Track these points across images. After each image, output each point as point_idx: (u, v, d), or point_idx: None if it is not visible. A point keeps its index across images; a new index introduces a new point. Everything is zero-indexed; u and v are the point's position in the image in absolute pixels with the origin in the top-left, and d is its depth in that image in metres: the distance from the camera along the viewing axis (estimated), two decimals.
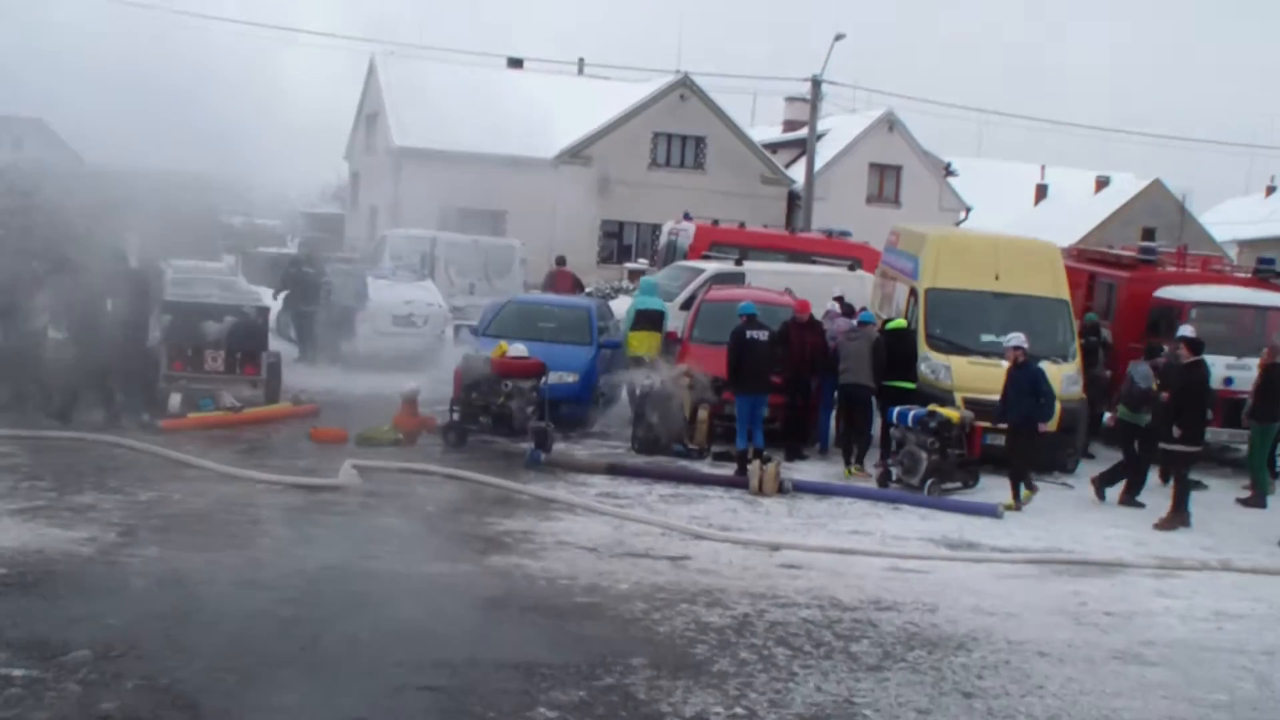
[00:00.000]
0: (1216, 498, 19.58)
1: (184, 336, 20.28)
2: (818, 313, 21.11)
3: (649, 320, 22.25)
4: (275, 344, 22.90)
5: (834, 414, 20.67)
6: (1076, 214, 68.65)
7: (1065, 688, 10.54)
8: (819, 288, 24.02)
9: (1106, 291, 25.30)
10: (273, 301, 25.93)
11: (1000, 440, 19.56)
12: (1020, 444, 18.03)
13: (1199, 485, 18.94)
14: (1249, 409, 20.11)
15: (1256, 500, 19.33)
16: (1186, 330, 21.46)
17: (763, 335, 19.09)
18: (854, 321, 20.43)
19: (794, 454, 19.74)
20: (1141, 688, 10.74)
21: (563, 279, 29.85)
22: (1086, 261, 27.10)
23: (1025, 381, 17.97)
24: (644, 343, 21.94)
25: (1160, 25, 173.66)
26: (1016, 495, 17.69)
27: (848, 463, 19.36)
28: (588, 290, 32.77)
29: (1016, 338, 18.37)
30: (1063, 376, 20.42)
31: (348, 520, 14.45)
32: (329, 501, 15.23)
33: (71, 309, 19.59)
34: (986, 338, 21.01)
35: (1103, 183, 74.18)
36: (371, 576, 12.24)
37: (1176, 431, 17.53)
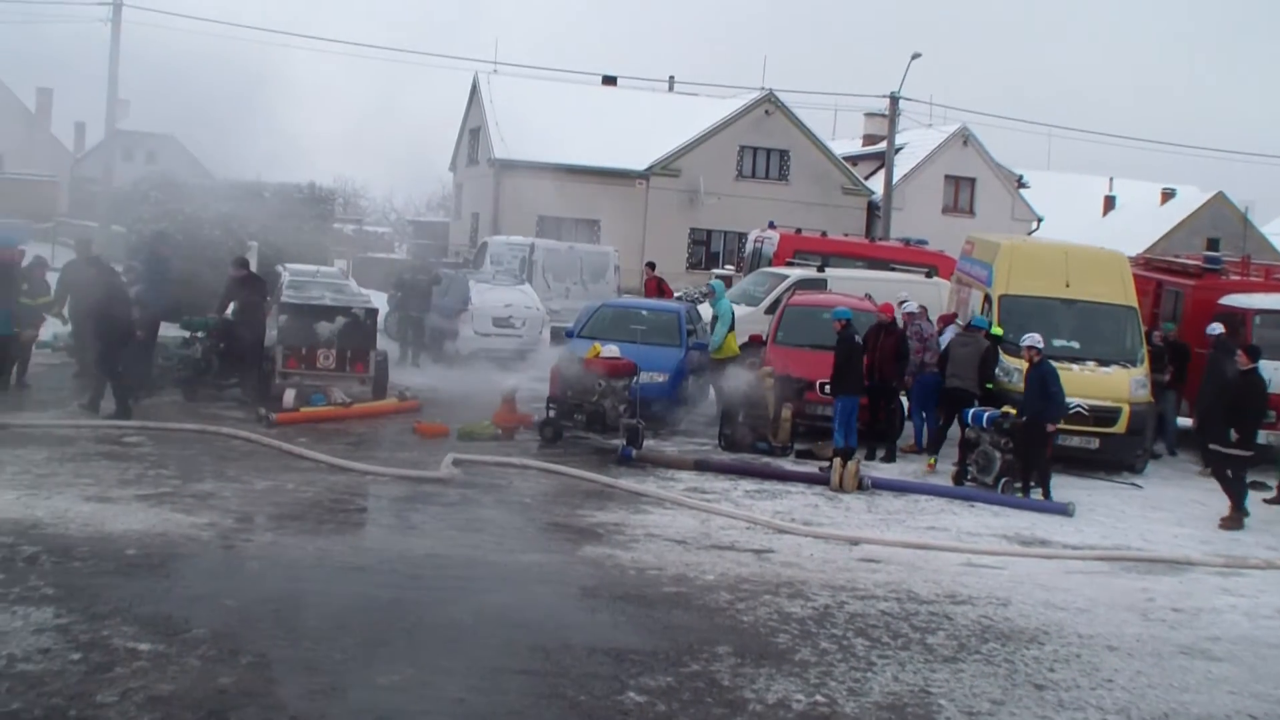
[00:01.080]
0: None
1: (299, 336, 20.43)
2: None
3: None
4: (383, 344, 23.02)
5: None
6: (1143, 224, 67.86)
7: (1134, 681, 10.34)
8: (897, 294, 23.84)
9: (1173, 299, 24.87)
10: (383, 304, 26.06)
11: (1072, 441, 19.37)
12: (1031, 442, 17.71)
13: (1261, 486, 18.58)
14: None
15: None
16: (1215, 328, 21.14)
17: (859, 339, 18.98)
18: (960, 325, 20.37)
19: (874, 452, 19.52)
20: (1208, 682, 10.52)
21: (656, 284, 30.08)
22: (1153, 270, 26.67)
23: (1035, 381, 17.71)
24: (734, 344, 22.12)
25: (1220, 44, 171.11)
26: (1046, 493, 17.47)
27: (934, 453, 19.21)
28: (677, 295, 32.72)
29: (1031, 337, 18.13)
30: (1131, 381, 20.09)
31: (449, 511, 14.46)
32: (431, 493, 15.25)
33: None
34: (1058, 342, 20.67)
35: (1168, 195, 73.24)
36: (471, 564, 12.25)
37: (1234, 435, 17.06)
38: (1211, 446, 17.75)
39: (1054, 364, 19.57)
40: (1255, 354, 17.61)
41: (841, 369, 18.73)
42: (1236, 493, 17.16)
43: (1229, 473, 17.18)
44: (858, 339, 18.96)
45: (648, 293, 29.66)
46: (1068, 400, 19.17)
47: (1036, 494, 17.50)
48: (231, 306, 20.79)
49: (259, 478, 15.12)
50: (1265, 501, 18.66)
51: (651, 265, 31.17)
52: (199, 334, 20.68)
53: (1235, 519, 16.94)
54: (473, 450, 17.61)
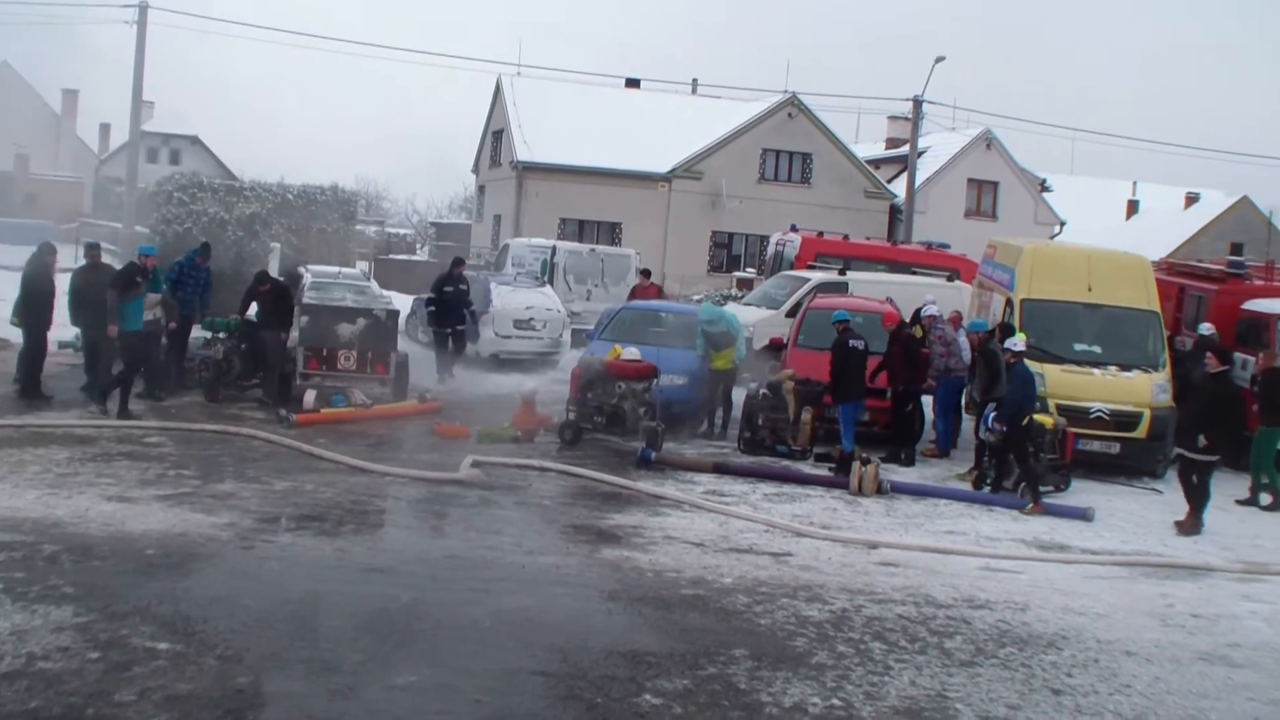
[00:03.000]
0: None
1: (320, 337, 20.50)
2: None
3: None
4: (404, 345, 23.09)
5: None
6: (1166, 229, 67.62)
7: (1152, 687, 10.30)
8: (919, 298, 23.83)
9: (1196, 303, 24.77)
10: (405, 306, 26.01)
11: (1093, 445, 19.33)
12: (1008, 442, 17.63)
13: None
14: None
15: (1260, 499, 18.66)
16: (1204, 328, 21.08)
17: (860, 344, 18.93)
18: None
19: (894, 457, 19.48)
20: (1227, 689, 10.47)
21: (647, 295, 28.62)
22: (1176, 274, 26.56)
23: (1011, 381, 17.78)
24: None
25: (1246, 47, 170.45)
26: (1035, 496, 17.21)
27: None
28: (697, 299, 32.63)
29: (1011, 341, 18.19)
30: (1152, 385, 20.02)
31: (468, 512, 14.50)
32: (450, 495, 15.30)
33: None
34: (1079, 347, 20.70)
35: (1192, 199, 73.06)
36: (489, 566, 12.27)
37: (1202, 441, 16.59)
38: (1177, 451, 17.34)
39: (1076, 368, 19.72)
40: (1226, 356, 17.37)
41: (838, 377, 18.73)
42: (1199, 499, 16.74)
43: (1194, 478, 16.77)
44: (854, 344, 18.93)
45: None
46: (1089, 405, 19.26)
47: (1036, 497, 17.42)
48: (253, 308, 20.91)
49: (279, 478, 15.18)
50: (1237, 502, 18.65)
51: (646, 273, 30.29)
52: (221, 335, 20.79)
53: (1193, 524, 16.62)
54: (492, 452, 17.64)
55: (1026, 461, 17.48)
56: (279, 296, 20.90)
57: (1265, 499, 18.72)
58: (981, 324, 20.17)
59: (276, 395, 20.04)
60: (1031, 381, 17.72)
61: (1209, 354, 17.50)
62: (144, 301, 19.69)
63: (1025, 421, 17.53)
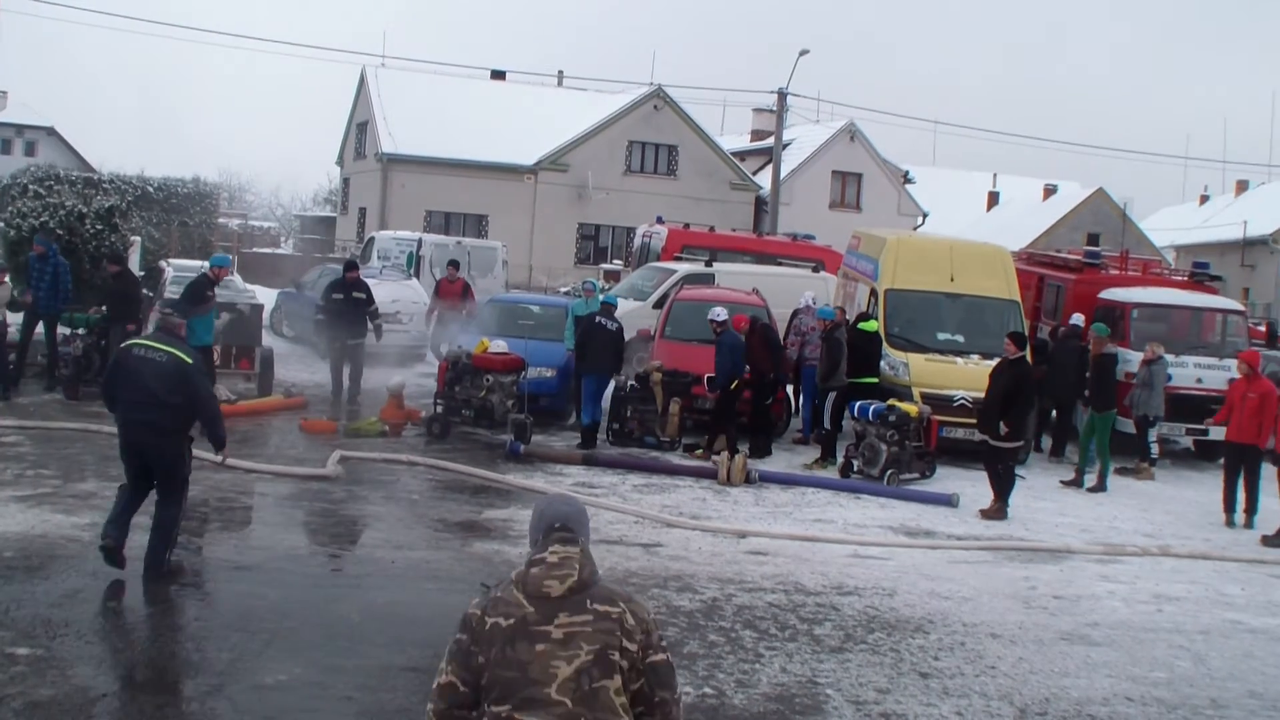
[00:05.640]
0: (1157, 488, 19.72)
1: None
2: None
3: None
4: (268, 340, 22.75)
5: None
6: (1026, 220, 68.92)
7: (1016, 667, 10.54)
8: (784, 288, 24.05)
9: (1054, 293, 25.33)
10: (270, 300, 25.56)
11: (957, 433, 19.64)
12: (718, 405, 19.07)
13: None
14: (1086, 398, 20.12)
15: (1085, 483, 19.22)
16: (1076, 319, 21.61)
17: (612, 325, 19.25)
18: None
19: (762, 449, 19.56)
20: (1087, 667, 10.76)
21: (452, 290, 26.37)
22: (1036, 264, 27.17)
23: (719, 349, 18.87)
24: None
25: (1099, 42, 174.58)
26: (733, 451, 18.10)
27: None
28: (564, 290, 32.54)
29: (714, 311, 19.23)
30: None
31: (336, 508, 14.37)
32: (318, 490, 15.12)
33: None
34: (942, 336, 21.07)
35: (1050, 191, 74.50)
36: (359, 562, 12.20)
37: (1004, 428, 16.88)
38: (981, 438, 17.65)
39: (940, 357, 20.10)
40: (1021, 342, 17.77)
41: (581, 346, 19.37)
42: (1004, 485, 17.03)
43: (999, 466, 17.03)
44: (604, 323, 19.23)
45: (450, 297, 25.99)
46: (953, 393, 19.62)
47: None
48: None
49: None
50: (1062, 483, 19.30)
51: (455, 265, 27.99)
52: (80, 331, 20.31)
53: (998, 510, 16.78)
54: (360, 447, 17.49)
55: (730, 425, 18.74)
56: (131, 285, 20.48)
57: (1091, 480, 19.29)
58: (828, 310, 20.35)
59: None
60: (739, 349, 18.66)
61: (1007, 340, 17.75)
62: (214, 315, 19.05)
63: (734, 386, 18.67)
